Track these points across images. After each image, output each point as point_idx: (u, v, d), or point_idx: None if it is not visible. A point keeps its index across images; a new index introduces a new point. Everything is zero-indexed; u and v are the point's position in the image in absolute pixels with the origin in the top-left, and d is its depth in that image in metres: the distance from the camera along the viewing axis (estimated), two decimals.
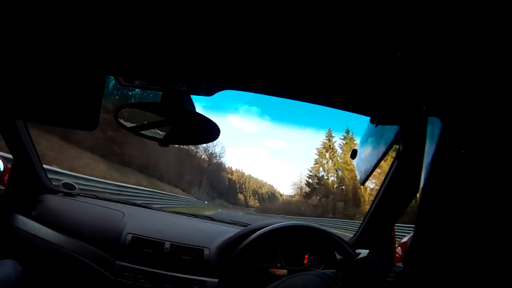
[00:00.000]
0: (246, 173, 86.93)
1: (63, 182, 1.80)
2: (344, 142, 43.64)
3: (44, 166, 1.77)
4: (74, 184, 1.82)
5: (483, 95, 0.36)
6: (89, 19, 0.56)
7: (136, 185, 15.55)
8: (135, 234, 1.44)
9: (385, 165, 1.28)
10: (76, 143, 15.25)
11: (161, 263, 1.38)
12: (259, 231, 1.38)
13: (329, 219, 29.63)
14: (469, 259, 0.34)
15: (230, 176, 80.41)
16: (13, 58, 0.62)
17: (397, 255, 1.48)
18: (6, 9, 0.56)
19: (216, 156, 63.55)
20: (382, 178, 1.38)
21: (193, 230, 1.58)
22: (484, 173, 0.34)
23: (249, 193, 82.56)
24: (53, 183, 1.82)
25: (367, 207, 1.46)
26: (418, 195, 0.42)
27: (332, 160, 47.15)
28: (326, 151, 47.99)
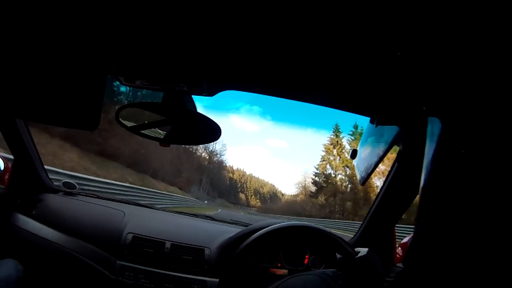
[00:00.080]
0: (248, 172, 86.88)
1: (63, 181, 1.80)
2: (353, 137, 39.10)
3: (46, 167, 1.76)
4: (74, 183, 1.82)
5: (483, 95, 0.36)
6: (90, 19, 0.56)
7: (119, 181, 13.82)
8: (135, 233, 1.44)
9: (389, 164, 1.28)
10: (44, 128, 11.18)
11: (162, 263, 1.38)
12: (260, 231, 1.38)
13: (336, 221, 28.29)
14: (469, 259, 0.34)
15: (231, 175, 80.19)
16: (15, 58, 0.62)
17: (398, 256, 1.48)
18: (8, 8, 0.56)
19: (216, 154, 62.40)
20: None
21: (194, 230, 1.58)
22: (484, 173, 0.34)
23: (251, 192, 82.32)
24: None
25: None
26: (418, 195, 0.42)
27: (340, 157, 43.09)
28: (334, 147, 44.09)
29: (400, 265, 1.46)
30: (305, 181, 57.14)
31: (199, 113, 0.78)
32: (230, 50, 0.61)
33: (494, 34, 0.36)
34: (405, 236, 1.51)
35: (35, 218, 1.56)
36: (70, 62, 0.65)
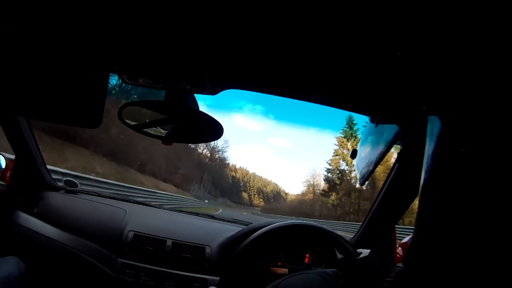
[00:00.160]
0: (250, 171, 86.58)
1: (65, 179, 1.81)
2: None
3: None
4: (76, 181, 1.83)
5: (483, 95, 0.36)
6: (93, 17, 0.56)
7: (82, 169, 11.24)
8: (136, 231, 1.44)
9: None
10: None
11: (163, 261, 1.38)
12: (260, 230, 1.38)
13: (352, 223, 25.34)
14: (469, 259, 0.35)
15: (233, 174, 79.84)
16: (17, 55, 0.62)
17: (398, 256, 1.48)
18: (11, 6, 0.56)
19: (218, 151, 61.12)
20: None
21: (194, 228, 1.59)
22: (484, 172, 0.34)
23: (254, 191, 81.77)
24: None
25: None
26: (418, 194, 0.42)
27: None
28: (348, 141, 39.64)
29: (400, 265, 1.46)
30: (314, 179, 54.06)
31: (201, 111, 0.78)
32: (233, 49, 0.62)
33: (494, 34, 0.36)
34: (405, 236, 1.51)
35: (36, 216, 1.56)
36: (73, 59, 0.65)
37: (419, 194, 0.42)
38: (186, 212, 1.98)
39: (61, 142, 13.37)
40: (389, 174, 1.35)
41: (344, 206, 38.64)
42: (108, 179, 10.92)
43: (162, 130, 0.86)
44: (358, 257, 0.97)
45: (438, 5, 0.38)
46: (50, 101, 0.67)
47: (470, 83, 0.38)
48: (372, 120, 0.76)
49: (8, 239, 1.54)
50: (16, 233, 1.54)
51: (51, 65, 0.64)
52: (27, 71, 0.64)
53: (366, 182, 0.84)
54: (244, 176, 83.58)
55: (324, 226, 1.44)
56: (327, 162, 42.92)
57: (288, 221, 1.44)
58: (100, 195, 1.84)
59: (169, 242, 1.42)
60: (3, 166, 1.63)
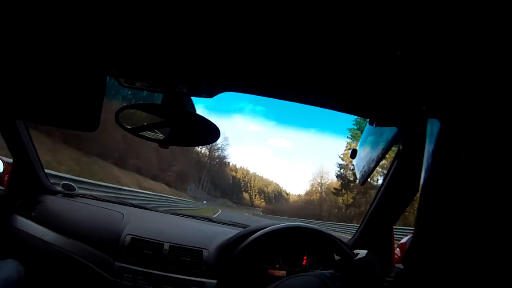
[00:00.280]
0: (251, 171, 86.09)
1: (63, 183, 1.81)
2: None
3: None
4: (73, 185, 1.83)
5: (483, 96, 0.36)
6: (90, 21, 0.57)
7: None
8: (134, 235, 1.44)
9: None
10: None
11: (160, 264, 1.38)
12: (258, 233, 1.38)
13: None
14: (469, 259, 0.35)
15: (234, 174, 79.14)
16: (15, 58, 0.63)
17: (396, 256, 1.48)
18: (8, 9, 0.56)
19: (218, 149, 58.63)
20: None
21: (192, 231, 1.59)
22: (483, 173, 0.35)
23: (255, 192, 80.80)
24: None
25: None
26: (418, 195, 0.42)
27: None
28: (362, 132, 33.95)
29: (398, 265, 1.46)
30: (322, 177, 50.75)
31: (198, 114, 0.79)
32: (230, 51, 0.62)
33: (494, 34, 0.36)
34: (403, 237, 1.50)
35: (34, 220, 1.56)
36: (71, 63, 0.66)
37: (419, 195, 0.42)
38: (184, 215, 1.97)
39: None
40: (387, 175, 1.35)
41: (360, 205, 33.40)
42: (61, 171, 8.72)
43: (159, 134, 0.86)
44: (355, 258, 0.97)
45: (438, 5, 0.38)
46: (47, 104, 0.67)
47: (470, 84, 0.38)
48: (371, 122, 0.76)
49: (7, 243, 1.53)
50: (14, 237, 1.53)
51: (49, 69, 0.65)
52: (25, 75, 0.64)
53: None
54: (245, 176, 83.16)
55: (322, 228, 1.44)
56: (339, 157, 37.47)
57: (286, 224, 1.44)
58: (97, 199, 1.84)
59: (166, 246, 1.42)
60: (1, 170, 1.63)
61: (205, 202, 38.70)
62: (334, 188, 39.77)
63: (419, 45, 0.46)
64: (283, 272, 1.50)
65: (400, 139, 0.75)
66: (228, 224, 1.84)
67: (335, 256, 1.47)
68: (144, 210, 1.89)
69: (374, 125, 0.74)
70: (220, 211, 28.14)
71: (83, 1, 0.52)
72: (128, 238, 1.42)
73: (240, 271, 1.43)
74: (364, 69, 0.59)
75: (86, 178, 9.74)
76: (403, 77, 0.55)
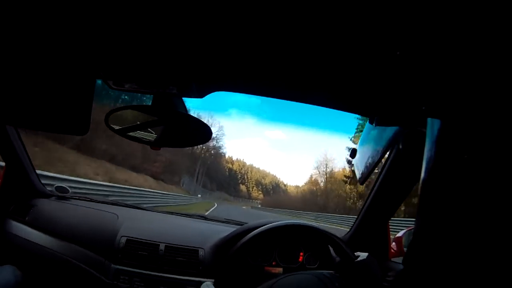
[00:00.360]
0: (248, 163, 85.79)
1: (56, 185, 1.79)
2: None
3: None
4: (67, 187, 1.81)
5: (483, 95, 0.37)
6: (77, 23, 0.55)
7: None
8: (129, 236, 1.44)
9: None
10: None
11: (156, 265, 1.38)
12: (254, 231, 1.38)
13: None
14: (469, 259, 0.35)
15: (230, 166, 78.61)
16: (1, 64, 0.61)
17: (392, 251, 1.49)
18: None
19: (212, 139, 55.35)
20: None
21: (187, 231, 1.59)
22: (484, 173, 0.35)
23: (252, 184, 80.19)
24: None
25: None
26: (415, 192, 0.42)
27: None
28: None
29: (395, 260, 1.47)
30: (326, 165, 47.66)
31: (189, 115, 0.78)
32: (220, 50, 0.60)
33: (494, 34, 0.36)
34: (399, 230, 1.52)
35: (28, 224, 1.55)
36: (58, 67, 0.65)
37: (419, 194, 0.42)
38: (179, 213, 1.98)
39: None
40: (383, 169, 1.35)
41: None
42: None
43: (150, 135, 0.85)
44: (355, 260, 0.97)
45: (438, 4, 0.38)
46: (37, 109, 0.66)
47: (470, 84, 0.38)
48: (371, 121, 0.75)
49: (3, 249, 1.52)
50: (10, 242, 1.52)
51: (36, 73, 0.64)
52: (13, 80, 0.63)
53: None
54: (241, 168, 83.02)
55: (319, 225, 1.45)
56: (350, 139, 32.84)
57: (282, 221, 1.45)
58: (91, 200, 1.83)
59: (162, 246, 1.41)
60: None
61: (199, 196, 36.75)
62: (345, 176, 36.43)
63: (419, 44, 0.45)
64: (279, 269, 1.51)
65: (400, 138, 0.76)
66: (223, 222, 1.85)
67: (332, 252, 1.48)
68: (138, 210, 1.88)
69: (374, 124, 0.74)
70: (216, 205, 26.37)
71: (70, 3, 0.50)
72: (123, 240, 1.42)
73: (237, 270, 1.44)
74: (364, 68, 0.58)
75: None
76: (403, 76, 0.55)
